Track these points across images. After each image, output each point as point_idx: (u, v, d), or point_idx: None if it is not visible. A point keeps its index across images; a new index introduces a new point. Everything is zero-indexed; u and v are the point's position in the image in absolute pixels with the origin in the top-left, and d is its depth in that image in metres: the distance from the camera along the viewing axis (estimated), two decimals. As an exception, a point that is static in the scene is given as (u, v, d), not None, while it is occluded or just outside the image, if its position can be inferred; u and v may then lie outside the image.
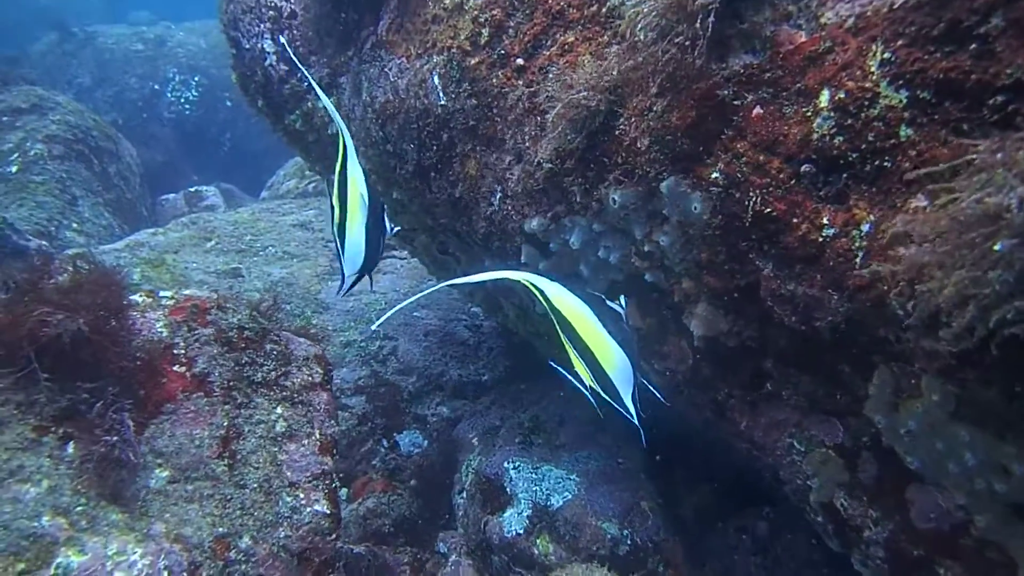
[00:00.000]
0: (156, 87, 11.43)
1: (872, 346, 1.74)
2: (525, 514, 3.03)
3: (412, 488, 3.65)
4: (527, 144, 2.28)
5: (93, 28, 12.20)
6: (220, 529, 2.26)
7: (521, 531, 2.99)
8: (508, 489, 3.15)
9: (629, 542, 2.90)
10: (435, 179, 2.61)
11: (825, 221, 1.68)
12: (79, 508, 2.06)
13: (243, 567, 2.24)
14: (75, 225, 5.77)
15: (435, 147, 2.54)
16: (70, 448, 2.20)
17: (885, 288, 1.58)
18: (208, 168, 11.08)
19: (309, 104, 3.10)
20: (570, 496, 3.03)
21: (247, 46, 3.21)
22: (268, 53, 3.12)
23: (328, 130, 3.07)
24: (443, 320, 4.67)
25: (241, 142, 11.81)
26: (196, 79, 11.50)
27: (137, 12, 14.05)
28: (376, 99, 2.68)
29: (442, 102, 2.44)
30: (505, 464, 3.22)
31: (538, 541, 2.95)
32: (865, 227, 1.61)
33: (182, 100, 11.41)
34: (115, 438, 2.28)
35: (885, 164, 1.56)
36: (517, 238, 2.42)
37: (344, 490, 3.85)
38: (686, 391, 2.30)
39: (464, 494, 3.42)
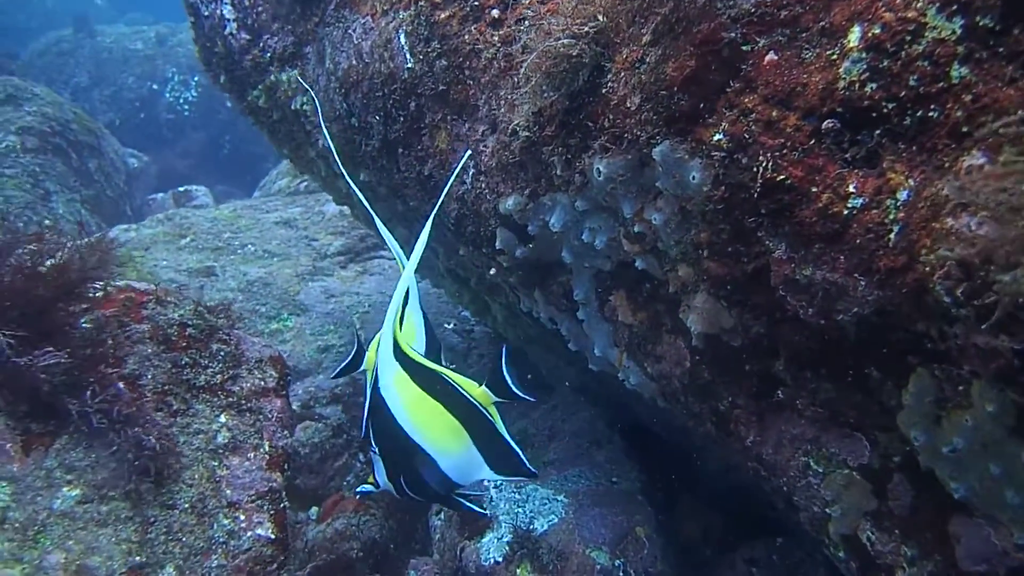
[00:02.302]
0: (155, 87, 11.20)
1: (908, 344, 1.41)
2: (505, 540, 2.69)
3: (385, 508, 3.32)
4: (503, 110, 1.97)
5: (92, 27, 12.01)
6: (137, 558, 1.94)
7: (500, 559, 2.66)
8: (488, 511, 2.82)
9: (622, 573, 2.56)
10: (403, 155, 2.30)
11: (851, 189, 1.35)
12: (-46, 534, 1.75)
13: (161, 602, 1.92)
14: (47, 221, 5.49)
15: (402, 118, 2.23)
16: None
17: (927, 270, 1.25)
18: (207, 170, 10.81)
19: (272, 77, 2.80)
20: (556, 520, 2.70)
21: (206, 13, 2.92)
22: (228, 20, 2.82)
23: (291, 106, 2.76)
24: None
25: (241, 144, 11.55)
26: (196, 79, 11.26)
27: (135, 14, 13.89)
28: (339, 65, 2.37)
29: (409, 64, 2.13)
30: (485, 482, 2.89)
31: (518, 571, 2.61)
32: (902, 195, 1.29)
33: (181, 100, 11.17)
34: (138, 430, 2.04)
35: (931, 114, 1.23)
36: (491, 221, 2.11)
37: (314, 508, 3.53)
38: (683, 399, 1.97)
39: (442, 515, 3.09)
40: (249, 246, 4.82)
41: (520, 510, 2.75)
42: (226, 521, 2.16)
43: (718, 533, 3.12)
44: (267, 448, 2.36)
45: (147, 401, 2.21)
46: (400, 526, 3.22)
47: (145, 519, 2.01)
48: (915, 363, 1.43)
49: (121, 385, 2.14)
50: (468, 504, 1.60)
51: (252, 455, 2.33)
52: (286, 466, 2.40)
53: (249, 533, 2.17)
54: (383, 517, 3.25)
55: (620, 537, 2.65)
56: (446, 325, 4.36)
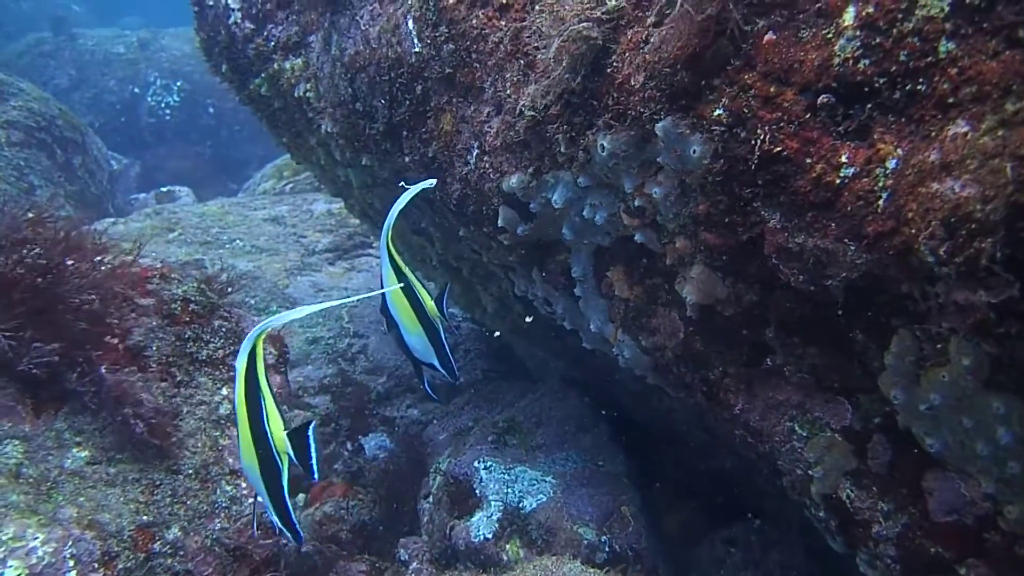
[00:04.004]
0: (136, 91, 11.19)
1: (892, 307, 1.52)
2: (495, 517, 2.76)
3: (374, 493, 3.37)
4: (508, 92, 2.06)
5: (74, 30, 11.97)
6: (144, 517, 1.99)
7: (490, 536, 2.73)
8: (478, 491, 2.89)
9: (607, 549, 2.64)
10: (407, 138, 2.39)
11: (844, 159, 1.46)
12: (-33, 487, 1.79)
13: (169, 560, 1.97)
14: (30, 215, 5.46)
15: (408, 101, 2.32)
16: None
17: (913, 232, 1.35)
18: (188, 175, 10.79)
19: (276, 66, 2.88)
20: (545, 499, 2.78)
21: (210, 3, 2.99)
22: (232, 10, 2.90)
23: (294, 94, 2.84)
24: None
25: (224, 150, 11.56)
26: (178, 84, 11.27)
27: (128, 18, 13.85)
28: (345, 51, 2.46)
29: (416, 49, 2.22)
30: (475, 464, 2.97)
31: (508, 546, 2.68)
32: (891, 163, 1.39)
33: (163, 105, 11.16)
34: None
35: (919, 88, 1.34)
36: (494, 199, 2.19)
37: (301, 495, 3.57)
38: (676, 370, 2.06)
39: (431, 499, 3.16)
40: (237, 241, 4.87)
41: (509, 490, 2.82)
42: (228, 488, 2.21)
43: (695, 517, 3.21)
44: (267, 421, 2.41)
45: (152, 371, 2.26)
46: (388, 510, 3.27)
47: (152, 482, 2.06)
48: (898, 325, 1.54)
49: (103, 370, 2.15)
50: (427, 387, 2.21)
51: (253, 426, 2.38)
52: (285, 438, 2.46)
53: (251, 500, 2.22)
54: (371, 502, 3.30)
55: (606, 515, 2.73)
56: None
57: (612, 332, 2.20)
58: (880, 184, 1.41)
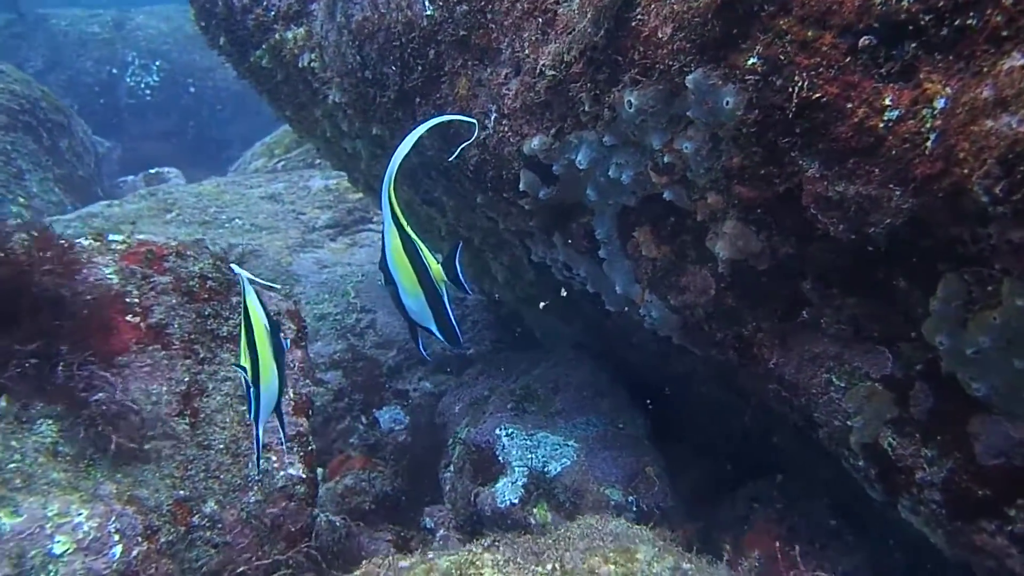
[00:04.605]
0: (114, 71, 11.00)
1: (939, 251, 1.51)
2: (520, 483, 2.76)
3: (393, 465, 3.37)
4: (527, 52, 2.02)
5: (45, 10, 11.73)
6: (181, 492, 1.98)
7: (516, 500, 2.73)
8: (501, 458, 2.88)
9: (635, 508, 2.65)
10: (420, 105, 2.35)
11: (887, 102, 1.44)
12: (12, 465, 1.77)
13: (208, 533, 1.97)
14: (21, 199, 5.39)
15: (420, 67, 2.28)
16: (2, 402, 1.90)
17: (965, 172, 1.34)
18: (171, 156, 10.65)
19: (277, 36, 2.82)
20: (569, 462, 2.78)
21: (207, -27, 2.92)
22: (231, -20, 2.83)
23: (297, 64, 2.79)
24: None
25: (206, 130, 11.41)
26: (157, 64, 11.09)
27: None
28: (352, 18, 2.41)
29: (428, 12, 2.18)
30: (497, 431, 2.96)
31: (535, 510, 2.68)
32: (939, 103, 1.37)
33: (142, 85, 10.99)
34: (101, 395, 2.00)
35: (969, 23, 1.32)
36: (515, 164, 2.16)
37: (320, 469, 3.56)
38: (707, 327, 2.05)
39: (452, 468, 3.15)
40: (236, 220, 4.81)
41: (533, 455, 2.82)
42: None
43: (715, 477, 3.22)
44: (291, 395, 2.40)
45: (175, 348, 2.24)
46: (410, 481, 3.27)
47: (185, 457, 2.04)
48: (944, 269, 1.53)
49: (94, 367, 2.09)
50: (421, 346, 1.99)
51: (278, 401, 2.36)
52: (310, 411, 2.45)
53: (282, 472, 2.21)
54: (392, 473, 3.30)
55: (631, 476, 2.73)
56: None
57: (639, 293, 2.18)
58: (927, 125, 1.39)
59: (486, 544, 1.71)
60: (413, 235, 1.87)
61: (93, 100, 11.03)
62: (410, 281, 1.84)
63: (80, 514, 1.73)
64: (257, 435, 1.68)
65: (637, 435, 2.99)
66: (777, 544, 1.91)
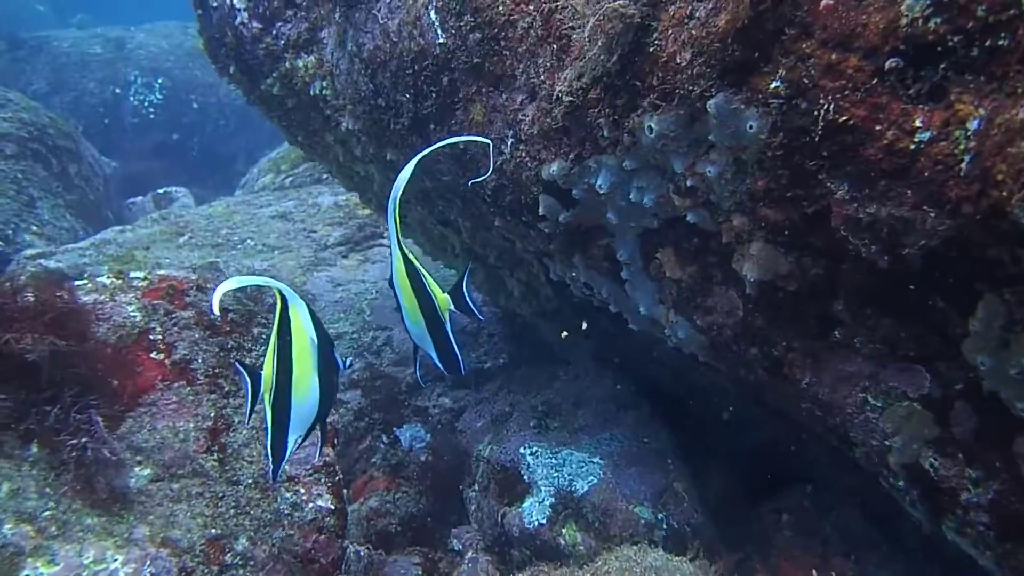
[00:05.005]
0: (118, 91, 11.01)
1: (977, 271, 1.48)
2: (547, 502, 2.75)
3: (418, 484, 3.36)
4: (542, 78, 2.01)
5: (45, 34, 11.75)
6: (213, 531, 1.97)
7: (544, 521, 2.71)
8: (526, 477, 2.87)
9: (665, 526, 2.63)
10: (435, 131, 2.33)
11: (918, 124, 1.42)
12: (47, 513, 1.76)
13: (241, 571, 1.96)
14: (34, 228, 5.40)
15: (434, 94, 2.26)
16: (33, 448, 1.90)
17: (1004, 194, 1.32)
18: (176, 173, 10.68)
19: (287, 64, 2.81)
20: (596, 480, 2.76)
21: (215, 4, 2.91)
22: (239, 10, 2.82)
23: (308, 92, 2.78)
24: (439, 307, 4.39)
25: (210, 145, 11.43)
26: (160, 81, 11.10)
27: (81, 15, 13.59)
28: (364, 47, 2.39)
29: (440, 40, 2.16)
30: (521, 450, 2.95)
31: (564, 531, 2.67)
32: (973, 124, 1.35)
33: (146, 103, 11.00)
34: (83, 439, 1.98)
35: (1000, 43, 1.30)
36: (533, 188, 2.15)
37: (343, 491, 3.56)
38: (735, 348, 2.03)
39: (476, 487, 3.14)
40: (249, 241, 4.81)
41: (558, 473, 2.81)
42: (288, 494, 2.19)
43: (741, 490, 3.19)
44: (317, 425, 2.39)
45: (199, 384, 2.23)
46: (435, 500, 3.26)
47: (215, 495, 2.03)
48: (983, 290, 1.51)
49: (93, 412, 2.06)
50: (417, 369, 2.10)
51: (304, 433, 2.35)
52: (335, 441, 2.44)
53: (311, 504, 2.20)
54: (416, 494, 3.29)
55: (660, 492, 2.72)
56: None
57: (663, 313, 2.16)
58: (961, 147, 1.37)
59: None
60: (416, 262, 1.88)
61: (98, 120, 11.05)
62: (412, 307, 1.85)
63: (116, 559, 1.72)
64: (267, 444, 1.62)
65: (662, 449, 2.97)
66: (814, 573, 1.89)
